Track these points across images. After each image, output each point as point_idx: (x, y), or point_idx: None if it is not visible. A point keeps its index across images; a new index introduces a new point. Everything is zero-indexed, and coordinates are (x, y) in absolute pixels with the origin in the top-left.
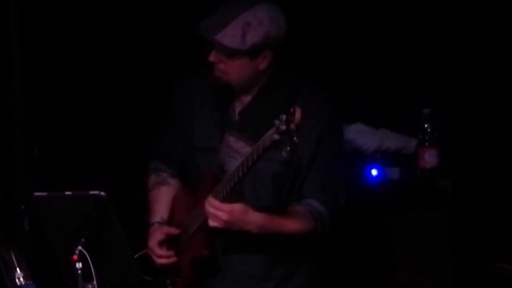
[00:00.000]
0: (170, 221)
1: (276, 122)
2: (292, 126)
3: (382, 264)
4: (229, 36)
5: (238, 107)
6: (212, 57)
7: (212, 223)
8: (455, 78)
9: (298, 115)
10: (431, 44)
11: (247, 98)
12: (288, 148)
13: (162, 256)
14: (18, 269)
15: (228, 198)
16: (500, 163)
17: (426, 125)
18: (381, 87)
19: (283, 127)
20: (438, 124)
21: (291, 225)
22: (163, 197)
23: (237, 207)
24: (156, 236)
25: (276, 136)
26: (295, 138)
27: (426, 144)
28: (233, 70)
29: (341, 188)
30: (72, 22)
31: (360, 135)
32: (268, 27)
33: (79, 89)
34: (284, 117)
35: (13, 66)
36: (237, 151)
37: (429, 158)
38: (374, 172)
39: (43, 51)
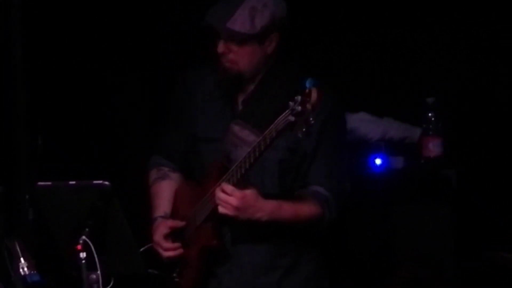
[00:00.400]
0: (173, 215)
1: (291, 103)
2: (308, 106)
3: (385, 254)
4: (239, 22)
5: (241, 97)
6: (221, 48)
7: (222, 209)
8: (459, 67)
9: (314, 95)
10: (435, 33)
11: (250, 88)
12: (304, 129)
13: (169, 249)
14: (22, 259)
15: (239, 185)
16: (504, 153)
17: (430, 114)
18: (385, 76)
19: (299, 108)
20: (442, 113)
21: (299, 211)
22: (164, 192)
23: (249, 193)
24: (161, 229)
25: (291, 118)
26: (311, 119)
27: (430, 133)
28: (243, 58)
29: (347, 175)
30: (74, 17)
31: (364, 124)
32: (273, 8)
33: (83, 81)
34: (299, 98)
35: (16, 57)
36: (243, 140)
37: (433, 147)
38: (378, 161)
39: (46, 44)
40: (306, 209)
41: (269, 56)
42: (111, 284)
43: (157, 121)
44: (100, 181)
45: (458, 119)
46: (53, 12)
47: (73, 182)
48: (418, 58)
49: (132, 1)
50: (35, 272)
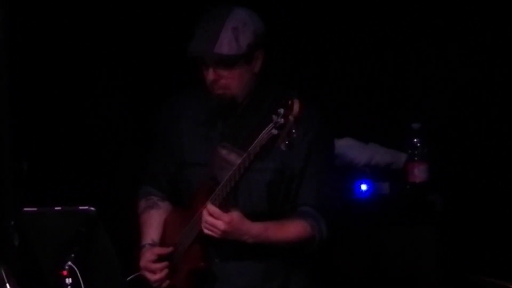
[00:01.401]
0: (162, 243)
1: (274, 117)
2: (291, 118)
3: (371, 277)
4: (226, 45)
5: (225, 119)
6: (211, 76)
7: (208, 232)
8: (444, 93)
9: (296, 106)
10: (419, 59)
11: (234, 110)
12: (287, 142)
13: (156, 270)
14: (8, 285)
15: (224, 204)
16: (490, 178)
17: (415, 140)
18: (370, 102)
19: (281, 121)
20: (428, 139)
21: (286, 233)
22: (153, 220)
23: (235, 216)
24: (147, 256)
25: (274, 131)
26: (293, 131)
27: (416, 158)
28: (234, 81)
29: (337, 194)
30: (59, 32)
31: (350, 150)
32: (253, 25)
33: (69, 106)
34: (282, 110)
35: (0, 81)
36: (230, 162)
37: (419, 173)
38: (363, 186)
39: (30, 65)
40: (293, 230)
41: (256, 75)
42: None
43: (145, 147)
44: (86, 207)
45: (444, 145)
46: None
47: (59, 208)
48: (403, 84)
49: (122, 14)
50: None
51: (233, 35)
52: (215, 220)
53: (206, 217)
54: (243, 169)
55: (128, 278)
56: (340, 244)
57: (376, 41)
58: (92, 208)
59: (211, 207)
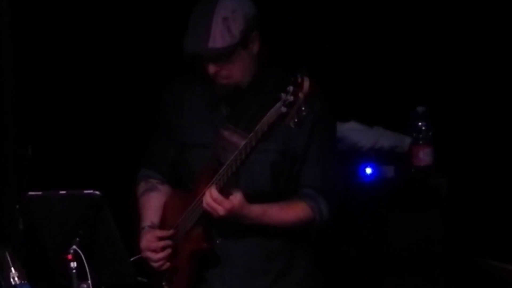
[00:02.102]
0: (162, 226)
1: (283, 95)
2: (301, 95)
3: (376, 262)
4: (219, 38)
5: (229, 101)
6: (212, 69)
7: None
8: (449, 76)
9: (306, 83)
10: (424, 42)
11: (237, 92)
12: (296, 120)
13: (158, 249)
14: (12, 269)
15: (227, 186)
16: (494, 161)
17: (420, 123)
18: (375, 85)
19: (291, 98)
20: (432, 122)
21: (285, 215)
22: (153, 203)
23: (236, 202)
24: (148, 238)
25: (283, 109)
26: (303, 108)
27: (420, 142)
28: (236, 69)
29: (339, 176)
30: (65, 24)
31: (354, 133)
32: (242, 11)
33: (73, 90)
34: (291, 88)
35: (5, 67)
36: (233, 143)
37: (424, 156)
38: (368, 170)
39: (35, 54)
40: (292, 212)
41: (256, 57)
42: None
43: (148, 130)
44: (91, 191)
45: (448, 128)
46: (41, 26)
47: (64, 192)
48: (408, 67)
49: (122, 13)
50: (25, 281)
51: (224, 26)
52: (216, 205)
53: (208, 199)
54: (249, 149)
55: (131, 259)
56: (344, 228)
57: (381, 24)
58: (97, 192)
59: (214, 192)
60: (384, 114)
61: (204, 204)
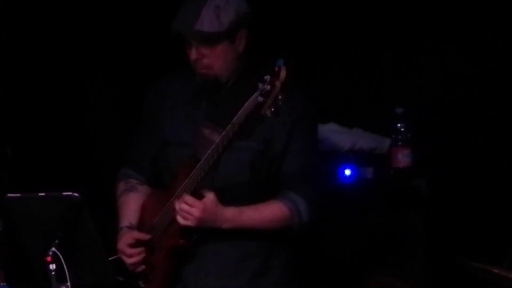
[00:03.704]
0: (140, 227)
1: (260, 84)
2: (277, 84)
3: (356, 263)
4: (207, 22)
5: (209, 99)
6: (194, 55)
7: (183, 221)
8: (427, 77)
9: (283, 72)
10: (403, 43)
11: (218, 90)
12: (272, 109)
13: (133, 255)
14: None
15: (204, 181)
16: (473, 161)
17: (399, 125)
18: (354, 87)
19: (267, 87)
20: (411, 124)
21: (263, 216)
22: (131, 203)
23: (209, 203)
24: (125, 239)
25: (260, 98)
26: (280, 97)
27: (399, 143)
28: (217, 60)
29: (320, 177)
30: (47, 21)
31: (334, 134)
32: (235, 5)
33: (54, 89)
34: (268, 77)
35: None
36: (212, 141)
37: (403, 158)
38: (347, 172)
39: (16, 51)
40: (270, 214)
41: (241, 56)
42: None
43: (128, 131)
44: (70, 193)
45: (427, 129)
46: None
47: (43, 194)
48: (386, 69)
49: (109, 9)
50: (4, 284)
51: (215, 13)
52: (189, 207)
53: (180, 205)
54: (226, 141)
55: (109, 259)
56: (323, 228)
57: (360, 26)
58: (76, 194)
59: (185, 196)
60: (363, 116)
61: (179, 211)
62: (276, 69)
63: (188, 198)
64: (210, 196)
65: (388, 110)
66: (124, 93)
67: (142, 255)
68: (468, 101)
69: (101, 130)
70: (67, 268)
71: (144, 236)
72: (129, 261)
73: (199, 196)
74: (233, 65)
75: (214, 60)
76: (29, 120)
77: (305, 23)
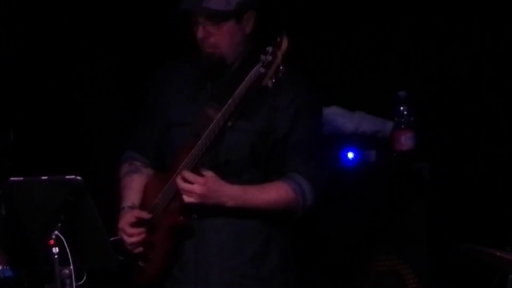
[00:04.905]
0: (142, 208)
1: (262, 56)
2: (279, 54)
3: (358, 247)
4: (215, 0)
5: (215, 81)
6: (201, 33)
7: (187, 198)
8: (430, 60)
9: (284, 43)
10: (407, 26)
11: (223, 71)
12: (274, 80)
13: (133, 234)
14: None
15: (202, 162)
16: (476, 145)
17: (402, 108)
18: (357, 70)
19: (269, 58)
20: (414, 107)
21: (267, 196)
22: (134, 184)
23: (210, 177)
24: (127, 218)
25: (262, 70)
26: (281, 68)
27: (402, 126)
28: (224, 39)
29: (324, 160)
30: (45, 9)
31: (336, 118)
32: None
33: (55, 75)
34: (270, 48)
35: None
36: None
37: (405, 141)
38: (350, 155)
39: (17, 38)
40: (274, 193)
41: (248, 37)
42: (84, 279)
43: (131, 116)
44: (73, 176)
45: (430, 113)
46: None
47: (45, 177)
48: (389, 52)
49: None
50: (7, 267)
51: None
52: (190, 185)
53: (181, 184)
54: (228, 115)
55: (111, 239)
56: (325, 212)
57: (363, 9)
58: (79, 177)
59: (184, 173)
60: (366, 99)
61: (181, 190)
62: (278, 39)
63: (189, 175)
64: (209, 173)
65: (391, 93)
66: (125, 78)
67: (143, 236)
68: (471, 84)
69: (102, 114)
70: (70, 251)
71: (146, 215)
72: (129, 240)
73: (198, 175)
74: (240, 46)
75: (220, 39)
76: (31, 105)
77: (308, 6)
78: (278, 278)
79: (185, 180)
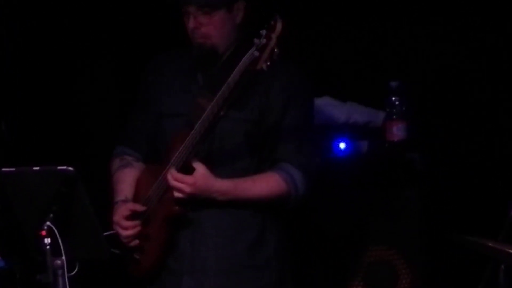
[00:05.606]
0: (135, 201)
1: (256, 40)
2: (273, 36)
3: (351, 237)
4: None
5: (206, 71)
6: (192, 23)
7: (177, 194)
8: (422, 50)
9: (279, 25)
10: (398, 15)
11: (214, 61)
12: (268, 63)
13: (128, 227)
14: None
15: (198, 149)
16: (468, 135)
17: (393, 98)
18: (349, 60)
19: (263, 41)
20: (406, 97)
21: (258, 189)
22: (126, 178)
23: (199, 177)
24: (121, 211)
25: (256, 53)
26: (275, 50)
27: (394, 117)
28: (214, 29)
29: (316, 150)
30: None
31: (328, 108)
32: None
33: (49, 65)
34: (264, 32)
35: None
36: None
37: (397, 131)
38: (342, 145)
39: (10, 29)
40: (265, 186)
41: (238, 27)
42: (76, 269)
43: (127, 108)
44: (65, 167)
45: (422, 103)
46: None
47: (37, 168)
48: (381, 42)
49: None
50: None
51: None
52: (179, 184)
53: (171, 182)
54: (222, 102)
55: (105, 234)
56: (318, 202)
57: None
58: (71, 168)
59: (173, 172)
60: (358, 89)
61: (170, 186)
62: (272, 22)
63: (177, 175)
64: (200, 170)
65: (383, 83)
66: (120, 69)
67: (138, 229)
68: (463, 74)
69: (96, 105)
70: (62, 242)
71: (140, 207)
72: (124, 233)
73: (190, 169)
74: (230, 36)
75: (211, 29)
76: (24, 95)
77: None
78: (274, 266)
79: (175, 179)
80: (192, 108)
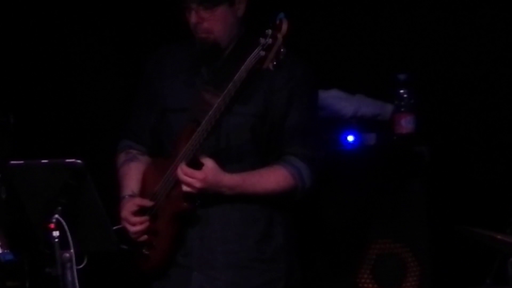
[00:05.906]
0: (142, 195)
1: (262, 39)
2: (279, 36)
3: (359, 230)
4: None
5: (209, 65)
6: (194, 18)
7: (186, 188)
8: (430, 43)
9: (284, 25)
10: (406, 8)
11: (218, 55)
12: (275, 63)
13: (136, 223)
14: None
15: (205, 146)
16: (476, 128)
17: (402, 91)
18: (357, 53)
19: (269, 41)
20: (414, 90)
21: (265, 183)
22: (133, 172)
23: (210, 170)
24: (128, 206)
25: (262, 53)
26: (282, 50)
27: (402, 109)
28: (217, 24)
29: (321, 143)
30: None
31: (336, 101)
32: None
33: (55, 58)
34: (269, 31)
35: None
36: (213, 105)
37: (405, 124)
38: (350, 138)
39: (15, 22)
40: (273, 180)
41: (240, 21)
42: (85, 262)
43: (130, 99)
44: (73, 160)
45: (430, 95)
46: None
47: (46, 161)
48: (389, 35)
49: None
50: (8, 251)
51: None
52: (190, 179)
53: (180, 176)
54: (228, 99)
55: (114, 228)
56: (325, 194)
57: None
58: (79, 161)
59: (184, 167)
60: (366, 82)
61: (180, 180)
62: (278, 22)
63: (187, 170)
64: (209, 164)
65: (391, 76)
66: (126, 61)
67: (146, 224)
68: (472, 67)
69: (104, 98)
70: (70, 235)
71: (147, 203)
72: (132, 229)
73: (198, 164)
74: (233, 30)
75: (213, 24)
76: (31, 88)
77: None
78: (282, 259)
79: (185, 174)
80: (196, 102)
